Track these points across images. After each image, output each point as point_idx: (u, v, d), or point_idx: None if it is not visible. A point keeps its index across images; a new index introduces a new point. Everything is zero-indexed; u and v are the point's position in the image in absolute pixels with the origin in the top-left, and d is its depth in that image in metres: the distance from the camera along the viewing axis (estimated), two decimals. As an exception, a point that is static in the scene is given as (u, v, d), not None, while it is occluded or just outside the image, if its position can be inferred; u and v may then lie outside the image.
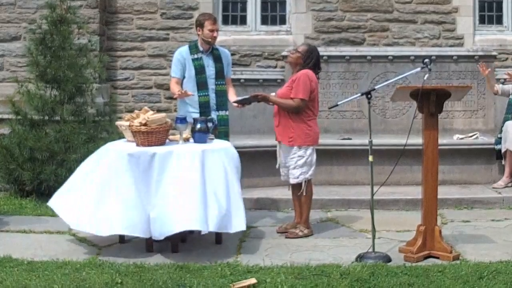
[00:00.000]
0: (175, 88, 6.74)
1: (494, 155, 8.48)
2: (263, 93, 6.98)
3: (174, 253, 5.95)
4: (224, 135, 6.84)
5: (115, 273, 5.25)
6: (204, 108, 6.73)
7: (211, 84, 6.79)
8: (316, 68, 6.65)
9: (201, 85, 6.75)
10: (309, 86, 6.49)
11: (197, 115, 6.57)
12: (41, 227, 6.81)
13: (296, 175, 6.54)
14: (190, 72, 6.77)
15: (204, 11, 9.74)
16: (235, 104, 6.75)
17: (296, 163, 6.52)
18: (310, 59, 6.58)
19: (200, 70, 6.76)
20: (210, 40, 6.77)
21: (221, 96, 6.84)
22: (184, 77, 6.80)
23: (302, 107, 6.49)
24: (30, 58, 8.21)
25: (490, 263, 5.57)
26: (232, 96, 6.85)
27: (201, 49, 6.82)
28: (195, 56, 6.79)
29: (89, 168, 6.21)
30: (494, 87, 8.60)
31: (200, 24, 6.80)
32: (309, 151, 6.57)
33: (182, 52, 6.85)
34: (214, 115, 6.78)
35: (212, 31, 6.75)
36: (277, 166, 6.74)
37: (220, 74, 6.83)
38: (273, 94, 6.81)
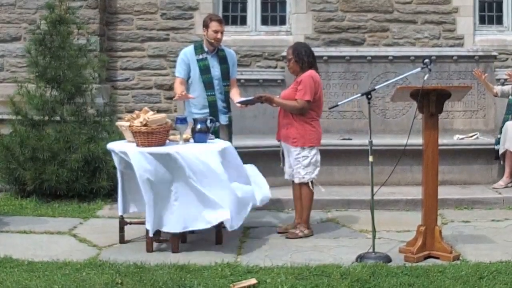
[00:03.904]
0: (178, 89, 6.74)
1: (494, 155, 8.48)
2: (267, 94, 6.97)
3: (174, 253, 5.95)
4: (231, 136, 6.91)
5: (115, 274, 5.25)
6: (212, 107, 6.73)
7: (217, 85, 6.78)
8: (314, 63, 6.64)
9: (208, 85, 6.75)
10: (314, 88, 6.50)
11: (198, 117, 6.55)
12: (41, 228, 6.81)
13: (301, 175, 6.55)
14: (195, 72, 6.77)
15: (204, 11, 9.77)
16: (239, 105, 6.75)
17: (301, 163, 6.53)
18: (304, 56, 6.57)
19: (205, 71, 6.75)
20: (213, 41, 6.74)
21: (228, 97, 6.85)
22: (189, 77, 6.80)
23: (306, 108, 6.50)
24: (29, 58, 8.22)
25: (490, 263, 5.57)
26: (236, 96, 6.84)
27: (206, 49, 6.80)
28: (200, 56, 6.78)
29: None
30: (493, 89, 8.59)
31: (205, 25, 6.79)
32: (313, 151, 6.58)
33: (187, 53, 6.84)
34: (225, 117, 6.80)
35: (216, 32, 6.72)
36: (281, 165, 6.76)
37: (226, 76, 6.82)
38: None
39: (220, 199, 5.87)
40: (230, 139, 6.85)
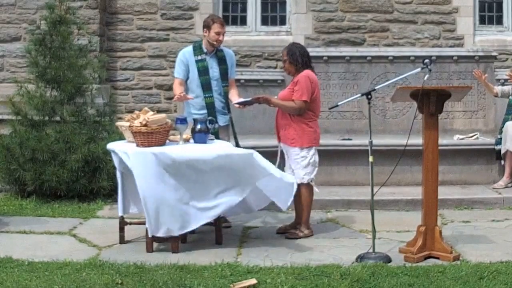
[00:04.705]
0: (177, 90, 6.73)
1: (494, 155, 8.48)
2: (265, 95, 6.98)
3: (174, 253, 5.95)
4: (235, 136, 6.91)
5: (115, 274, 5.25)
6: (210, 109, 6.72)
7: (215, 85, 6.77)
8: (309, 64, 6.64)
9: (206, 86, 6.74)
10: (311, 88, 6.51)
11: (198, 117, 6.55)
12: (41, 228, 6.81)
13: (300, 175, 6.55)
14: (193, 73, 6.76)
15: (204, 11, 9.78)
16: (237, 105, 6.75)
17: (300, 164, 6.53)
18: (298, 57, 6.57)
19: (203, 72, 6.75)
20: (215, 43, 6.74)
21: (227, 98, 6.85)
22: (188, 78, 6.80)
23: (304, 109, 6.50)
24: (29, 58, 8.22)
25: (490, 263, 5.57)
26: (235, 97, 6.84)
27: (205, 50, 6.79)
28: (199, 57, 6.77)
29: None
30: (493, 89, 8.60)
31: (207, 26, 6.77)
32: (311, 152, 6.58)
33: (185, 53, 6.84)
34: (221, 117, 6.80)
35: (218, 34, 6.72)
36: (276, 165, 6.74)
37: (225, 76, 6.82)
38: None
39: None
40: (235, 140, 6.86)
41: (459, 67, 9.32)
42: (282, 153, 6.76)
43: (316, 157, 6.64)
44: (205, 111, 6.70)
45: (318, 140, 6.68)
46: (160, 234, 5.98)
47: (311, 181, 6.64)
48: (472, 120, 9.30)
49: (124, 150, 6.04)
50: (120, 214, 6.38)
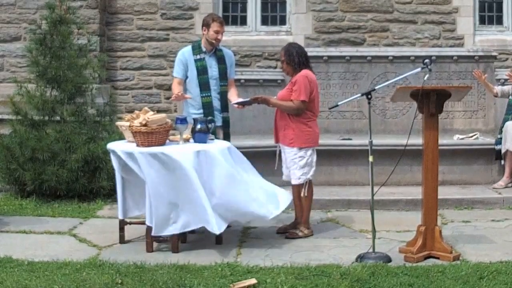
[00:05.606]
0: (175, 89, 6.74)
1: (494, 155, 8.48)
2: (264, 95, 6.98)
3: (174, 253, 5.95)
4: (226, 136, 6.87)
5: (115, 274, 5.25)
6: (207, 109, 6.72)
7: (214, 85, 6.78)
8: (307, 64, 6.63)
9: (204, 86, 6.74)
10: (309, 88, 6.51)
11: (198, 117, 6.55)
12: (41, 228, 6.81)
13: (297, 175, 6.55)
14: (192, 73, 6.77)
15: (204, 11, 9.77)
16: (236, 105, 6.76)
17: (297, 164, 6.53)
18: (295, 57, 6.57)
19: (202, 71, 6.75)
20: (213, 41, 6.74)
21: (225, 97, 6.85)
22: (187, 77, 6.81)
23: (302, 109, 6.50)
24: (30, 58, 8.22)
25: (490, 263, 5.57)
26: (234, 97, 6.85)
27: (204, 49, 6.80)
28: (198, 56, 6.77)
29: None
30: (493, 89, 8.60)
31: (206, 24, 6.78)
32: (309, 152, 6.58)
33: (185, 53, 6.84)
34: (219, 116, 6.80)
35: (217, 32, 6.72)
36: (275, 167, 6.76)
37: (223, 76, 6.82)
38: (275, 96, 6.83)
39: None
40: (228, 140, 6.85)
41: (459, 67, 9.32)
42: (280, 153, 6.76)
43: (314, 157, 6.64)
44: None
45: (317, 140, 6.68)
46: (165, 233, 5.98)
47: (310, 181, 6.64)
48: (472, 120, 9.29)
49: (128, 150, 6.05)
50: (120, 217, 6.36)
